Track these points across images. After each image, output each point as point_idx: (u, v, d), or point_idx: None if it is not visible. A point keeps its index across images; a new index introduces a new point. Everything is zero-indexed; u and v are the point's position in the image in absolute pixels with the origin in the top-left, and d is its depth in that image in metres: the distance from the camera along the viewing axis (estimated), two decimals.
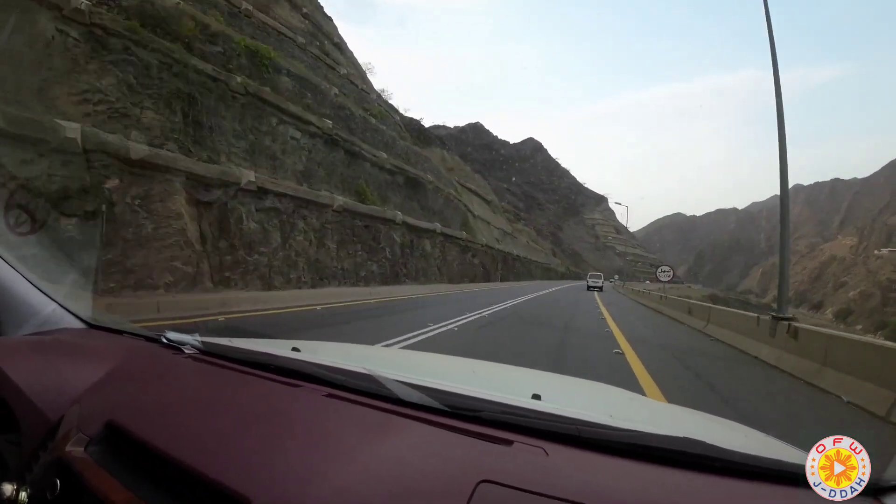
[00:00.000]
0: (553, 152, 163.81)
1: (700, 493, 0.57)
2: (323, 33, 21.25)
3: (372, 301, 9.96)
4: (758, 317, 5.56)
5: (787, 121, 5.94)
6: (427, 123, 61.08)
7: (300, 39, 17.20)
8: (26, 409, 0.83)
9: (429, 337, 5.38)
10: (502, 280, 31.31)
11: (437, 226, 19.16)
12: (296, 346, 1.12)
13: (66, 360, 0.97)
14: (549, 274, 57.46)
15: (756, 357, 5.15)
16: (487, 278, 27.33)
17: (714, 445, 0.61)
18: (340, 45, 24.13)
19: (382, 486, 0.55)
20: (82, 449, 0.71)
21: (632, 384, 3.52)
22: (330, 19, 24.12)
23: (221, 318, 6.27)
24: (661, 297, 13.68)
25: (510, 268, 36.12)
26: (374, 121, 18.40)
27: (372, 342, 4.36)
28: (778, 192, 6.14)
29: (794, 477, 0.56)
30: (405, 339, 5.08)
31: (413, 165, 19.40)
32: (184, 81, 9.87)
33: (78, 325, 1.23)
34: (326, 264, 11.35)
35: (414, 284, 16.00)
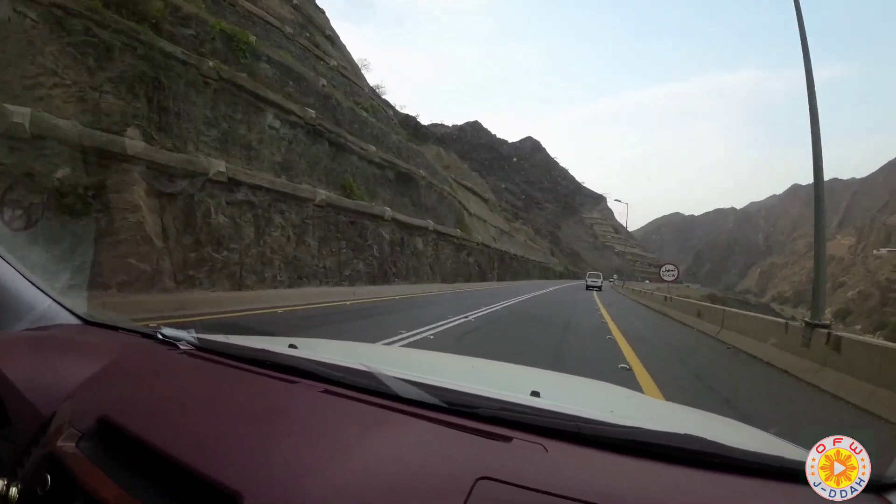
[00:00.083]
0: (552, 151, 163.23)
1: (701, 489, 0.57)
2: (313, 25, 20.43)
3: (348, 303, 9.12)
4: (786, 323, 4.71)
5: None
6: (425, 122, 60.28)
7: (288, 30, 16.38)
8: (19, 404, 0.83)
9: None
10: (499, 279, 30.53)
11: (430, 223, 18.35)
12: (293, 342, 1.12)
13: (60, 356, 0.97)
14: (547, 273, 56.76)
15: (786, 371, 4.35)
16: (483, 278, 26.54)
17: (715, 442, 0.61)
18: (332, 38, 23.36)
19: (379, 482, 0.54)
20: (74, 444, 0.70)
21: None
22: (322, 11, 23.33)
23: (154, 323, 5.42)
24: (665, 297, 12.75)
25: (507, 267, 35.34)
26: (364, 114, 17.59)
27: None
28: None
29: (795, 474, 0.56)
30: None
31: (405, 160, 18.58)
32: (149, 65, 9.09)
33: (74, 321, 1.23)
34: (306, 262, 10.55)
35: (404, 284, 15.20)
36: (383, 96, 38.16)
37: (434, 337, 5.44)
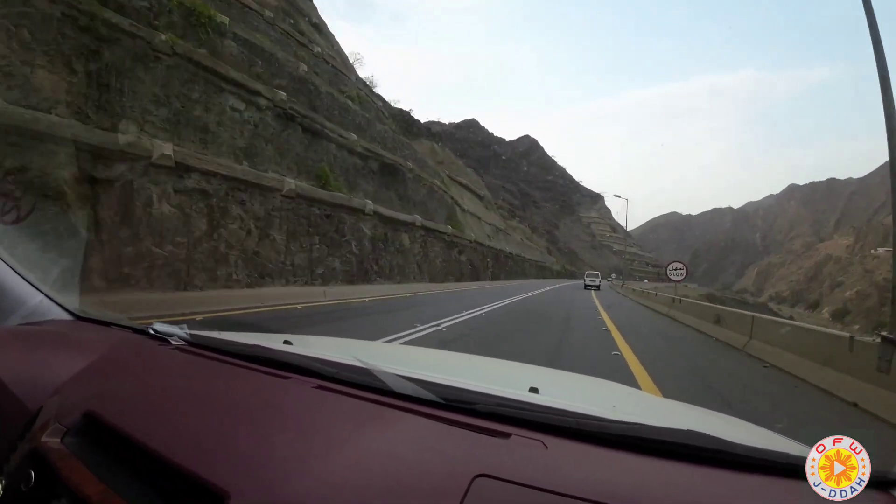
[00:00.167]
0: (549, 150, 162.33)
1: (703, 486, 0.56)
2: (299, 12, 19.28)
3: (299, 306, 7.77)
4: (851, 338, 3.52)
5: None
6: (423, 120, 58.89)
7: (268, 14, 15.20)
8: (5, 398, 0.81)
9: None
10: (493, 279, 29.40)
11: (418, 218, 17.19)
12: (287, 339, 1.11)
13: (50, 351, 0.96)
14: (543, 273, 55.71)
15: (855, 404, 3.21)
16: (476, 277, 25.41)
17: (717, 438, 0.60)
18: (319, 27, 22.23)
19: (374, 479, 0.53)
20: (58, 440, 0.69)
21: None
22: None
23: None
24: (673, 299, 11.16)
25: (502, 266, 34.22)
26: (350, 103, 16.42)
27: None
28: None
29: (796, 470, 0.55)
30: None
31: (392, 151, 17.41)
32: (92, 37, 7.96)
33: (65, 317, 1.20)
34: (270, 259, 9.39)
35: (387, 283, 14.06)
36: (375, 90, 37.09)
37: None
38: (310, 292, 9.54)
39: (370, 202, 13.63)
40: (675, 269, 12.96)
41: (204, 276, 8.08)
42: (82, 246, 7.29)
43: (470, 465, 0.53)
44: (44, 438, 0.69)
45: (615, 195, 79.65)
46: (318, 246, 10.99)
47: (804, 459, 0.54)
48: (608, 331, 7.09)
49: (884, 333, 3.18)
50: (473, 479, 0.50)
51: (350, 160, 13.95)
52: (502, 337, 6.44)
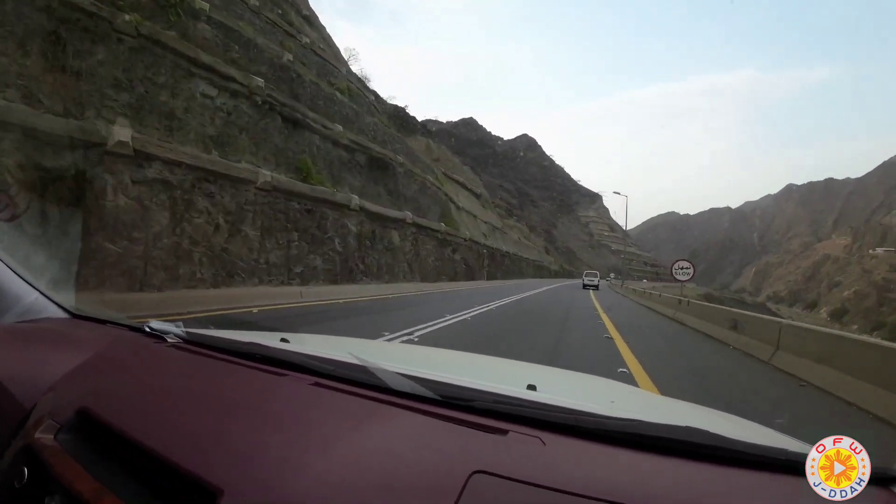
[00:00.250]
0: (548, 149, 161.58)
1: (701, 482, 0.56)
2: (288, 2, 18.57)
3: (255, 310, 6.86)
4: None
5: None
6: (421, 119, 58.04)
7: (253, 2, 14.48)
8: (0, 396, 0.80)
9: None
10: (488, 278, 28.72)
11: (409, 215, 16.48)
12: (284, 337, 1.10)
13: (44, 349, 0.95)
14: (541, 272, 55.06)
15: None
16: (471, 276, 24.71)
17: (717, 435, 0.60)
18: (310, 18, 21.56)
19: (370, 476, 0.52)
20: (52, 436, 0.68)
21: None
22: None
23: None
24: (679, 300, 10.11)
25: (498, 265, 33.54)
26: (339, 95, 15.70)
27: None
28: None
29: (795, 466, 0.55)
30: None
31: (381, 145, 16.69)
32: (48, 17, 7.31)
33: (61, 314, 1.19)
34: (241, 256, 8.68)
35: (375, 283, 13.35)
36: (370, 85, 36.34)
37: None
38: (284, 293, 8.83)
39: (356, 197, 12.93)
40: (682, 268, 11.64)
41: (163, 276, 7.37)
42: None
43: (467, 462, 0.53)
44: (37, 435, 0.68)
45: (615, 192, 79.18)
46: (296, 243, 10.28)
47: (803, 456, 0.54)
48: (611, 339, 6.27)
49: None
50: (471, 476, 0.50)
51: (335, 152, 13.24)
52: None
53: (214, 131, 9.32)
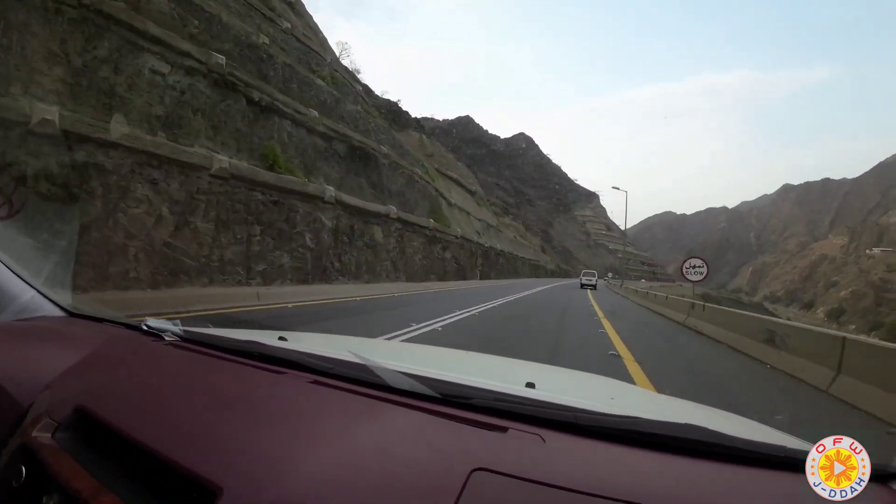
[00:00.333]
0: (544, 149, 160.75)
1: (699, 478, 0.56)
2: None
3: (188, 313, 5.93)
4: None
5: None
6: (416, 116, 56.66)
7: None
8: None
9: None
10: (482, 278, 27.70)
11: (393, 209, 15.43)
12: (282, 335, 1.09)
13: (41, 347, 0.94)
14: (537, 272, 54.11)
15: None
16: (463, 275, 23.69)
17: (717, 432, 0.60)
18: (293, 4, 20.46)
19: (369, 474, 0.51)
20: (49, 435, 0.67)
21: None
22: None
23: None
24: (692, 304, 8.81)
25: (492, 264, 32.52)
26: (318, 81, 14.63)
27: None
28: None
29: (794, 464, 0.55)
30: None
31: (365, 134, 15.63)
32: None
33: (58, 312, 1.17)
34: (188, 253, 7.62)
35: (353, 283, 12.31)
36: (360, 77, 35.20)
37: None
38: (239, 294, 7.77)
39: (332, 189, 11.86)
40: (694, 266, 10.11)
41: (89, 274, 6.31)
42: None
43: (467, 460, 0.53)
44: (34, 434, 0.68)
45: (614, 187, 78.27)
46: (258, 238, 9.22)
47: (802, 453, 0.55)
48: (618, 356, 4.93)
49: None
50: (471, 473, 0.50)
51: (309, 140, 12.16)
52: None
53: (163, 111, 8.25)
